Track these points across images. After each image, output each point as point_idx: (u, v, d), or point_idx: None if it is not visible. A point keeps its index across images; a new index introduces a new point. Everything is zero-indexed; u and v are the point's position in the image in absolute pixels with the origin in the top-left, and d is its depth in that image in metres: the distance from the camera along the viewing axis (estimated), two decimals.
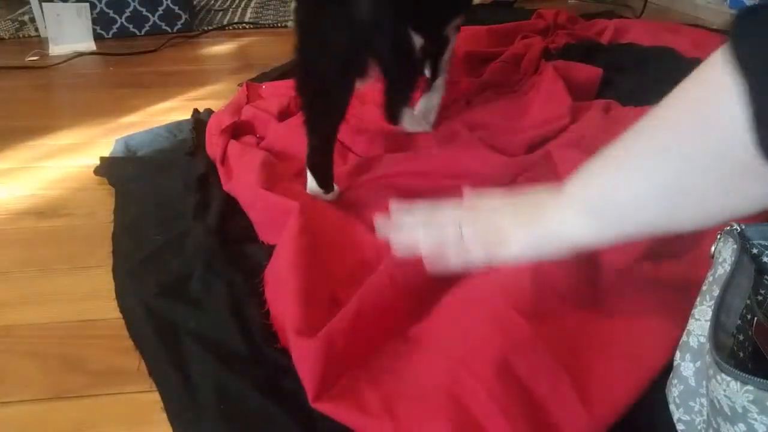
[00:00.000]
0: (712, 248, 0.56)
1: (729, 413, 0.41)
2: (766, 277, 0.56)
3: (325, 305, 0.67)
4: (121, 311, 0.73)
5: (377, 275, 0.69)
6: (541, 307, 0.62)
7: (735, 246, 0.53)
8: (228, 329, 0.67)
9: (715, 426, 0.44)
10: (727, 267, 0.52)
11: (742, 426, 0.40)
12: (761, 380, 0.39)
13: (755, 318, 0.51)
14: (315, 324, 0.62)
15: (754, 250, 0.56)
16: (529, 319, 0.59)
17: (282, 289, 0.69)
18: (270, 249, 0.81)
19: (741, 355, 0.50)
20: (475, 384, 0.53)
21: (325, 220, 0.81)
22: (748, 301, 0.51)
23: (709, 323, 0.48)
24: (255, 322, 0.67)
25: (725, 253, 0.54)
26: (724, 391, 0.41)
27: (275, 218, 0.84)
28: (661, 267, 0.69)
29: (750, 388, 0.40)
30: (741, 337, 0.50)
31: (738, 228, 0.56)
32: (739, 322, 0.50)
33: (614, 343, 0.59)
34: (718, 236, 0.57)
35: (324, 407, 0.56)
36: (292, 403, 0.57)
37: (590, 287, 0.67)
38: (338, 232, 0.80)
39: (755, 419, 0.39)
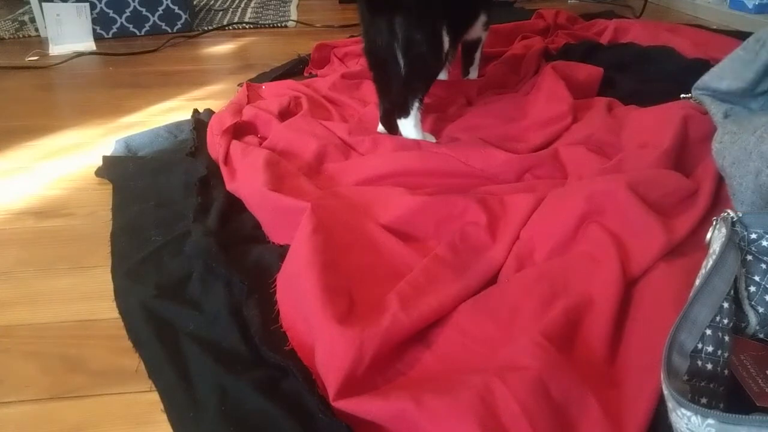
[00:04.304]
0: (708, 236, 0.55)
1: None
2: (765, 260, 0.55)
3: (345, 303, 0.66)
4: (120, 312, 0.73)
5: (409, 282, 0.70)
6: (566, 323, 0.62)
7: (723, 239, 0.51)
8: (227, 330, 0.67)
9: None
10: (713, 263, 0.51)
11: None
12: (722, 414, 0.39)
13: (729, 328, 0.49)
14: (339, 320, 0.62)
15: (753, 235, 0.55)
16: (557, 342, 0.59)
17: (299, 287, 0.69)
18: (279, 249, 0.81)
19: (709, 367, 0.48)
20: (509, 396, 0.53)
21: (336, 219, 0.81)
22: (725, 304, 0.50)
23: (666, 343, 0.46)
24: (254, 324, 0.67)
25: (715, 244, 0.53)
26: (687, 425, 0.40)
27: (286, 219, 0.84)
28: (674, 263, 0.69)
29: (711, 421, 0.39)
30: (710, 349, 0.49)
31: (734, 216, 0.54)
32: (709, 332, 0.48)
33: (635, 357, 0.59)
34: (714, 223, 0.56)
35: (347, 404, 0.55)
36: (293, 404, 0.57)
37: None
38: (349, 231, 0.80)
39: None
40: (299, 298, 0.69)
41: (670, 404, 0.43)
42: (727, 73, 0.91)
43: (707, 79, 0.93)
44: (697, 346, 0.48)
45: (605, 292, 0.65)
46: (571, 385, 0.55)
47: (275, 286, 0.74)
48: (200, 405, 0.58)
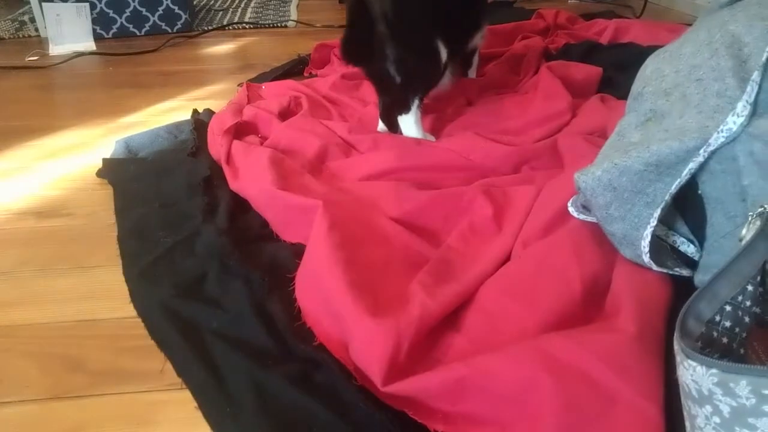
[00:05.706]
0: (743, 231, 0.56)
1: (696, 396, 0.43)
2: None
3: (371, 297, 0.67)
4: (139, 314, 0.73)
5: (428, 272, 0.72)
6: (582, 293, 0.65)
7: (757, 229, 0.52)
8: (252, 327, 0.67)
9: (687, 409, 0.45)
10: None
11: (708, 408, 0.42)
12: (725, 363, 0.41)
13: (752, 311, 0.51)
14: (372, 313, 0.63)
15: None
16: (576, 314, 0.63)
17: (323, 285, 0.70)
18: (292, 247, 0.81)
19: (724, 341, 0.50)
20: (557, 343, 0.56)
21: (348, 215, 0.82)
22: (750, 287, 0.51)
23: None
24: (280, 319, 0.68)
25: (749, 236, 0.54)
26: (691, 375, 0.43)
27: (297, 217, 0.84)
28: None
29: (714, 371, 0.41)
30: (727, 324, 0.50)
31: None
32: (728, 308, 0.50)
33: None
34: (749, 218, 0.57)
35: (398, 387, 0.56)
36: (329, 396, 0.58)
37: None
38: (362, 226, 0.81)
39: (720, 400, 0.41)
40: (324, 295, 0.69)
41: (678, 358, 0.45)
42: None
43: None
44: (714, 318, 0.49)
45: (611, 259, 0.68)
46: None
47: (294, 284, 0.74)
48: (236, 401, 0.59)
